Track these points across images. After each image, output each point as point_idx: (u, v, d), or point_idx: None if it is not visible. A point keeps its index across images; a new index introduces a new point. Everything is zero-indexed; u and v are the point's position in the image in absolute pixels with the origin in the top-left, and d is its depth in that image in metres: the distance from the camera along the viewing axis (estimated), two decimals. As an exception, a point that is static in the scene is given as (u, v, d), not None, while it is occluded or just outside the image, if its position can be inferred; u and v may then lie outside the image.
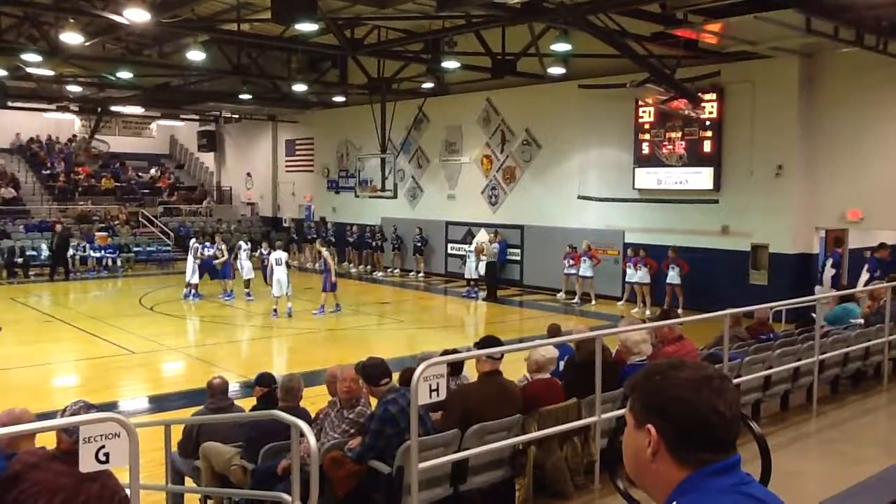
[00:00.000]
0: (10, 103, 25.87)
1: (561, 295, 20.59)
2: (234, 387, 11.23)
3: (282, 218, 33.35)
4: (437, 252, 25.20)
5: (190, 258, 20.50)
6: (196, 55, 17.66)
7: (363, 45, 18.13)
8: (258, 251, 20.33)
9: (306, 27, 14.63)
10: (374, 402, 5.74)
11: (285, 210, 33.28)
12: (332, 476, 5.10)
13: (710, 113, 17.96)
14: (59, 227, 25.92)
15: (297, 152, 32.26)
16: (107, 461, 3.44)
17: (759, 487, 1.63)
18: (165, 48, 19.88)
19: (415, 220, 25.70)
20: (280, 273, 17.92)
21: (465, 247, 22.94)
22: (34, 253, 26.22)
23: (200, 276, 20.50)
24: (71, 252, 25.80)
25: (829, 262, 15.39)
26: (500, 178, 23.51)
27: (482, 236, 22.67)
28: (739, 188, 17.73)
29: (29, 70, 19.79)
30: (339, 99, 26.45)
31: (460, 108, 24.19)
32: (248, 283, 20.27)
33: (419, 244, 25.01)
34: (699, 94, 17.66)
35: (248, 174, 35.24)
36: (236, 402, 7.75)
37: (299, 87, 22.67)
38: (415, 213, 26.23)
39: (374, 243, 26.52)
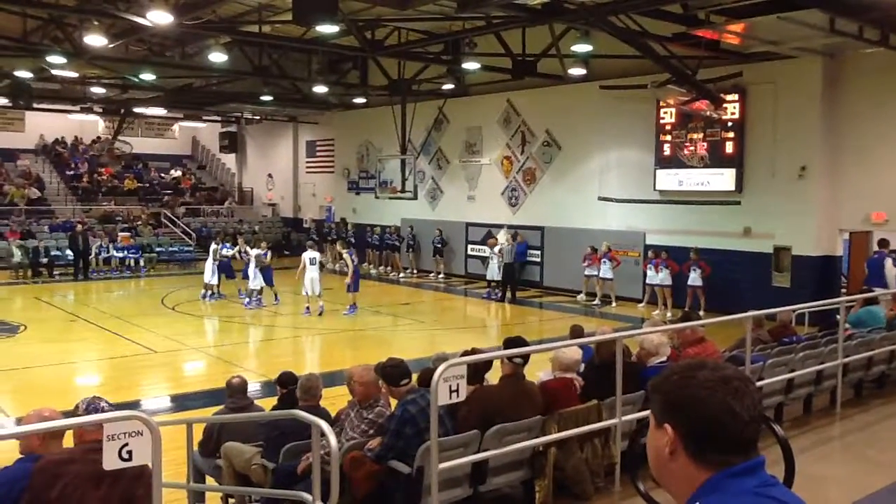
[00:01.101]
0: (35, 105, 26.18)
1: (581, 297, 20.52)
2: (255, 386, 11.30)
3: (302, 219, 33.49)
4: (458, 253, 25.21)
5: (209, 259, 20.55)
6: (218, 57, 17.78)
7: (383, 46, 18.18)
8: (259, 253, 19.98)
9: (327, 29, 14.69)
10: (394, 402, 5.75)
11: (306, 211, 33.43)
12: (352, 476, 5.11)
13: (732, 114, 17.83)
14: (79, 227, 26.30)
15: (318, 153, 32.41)
16: (130, 459, 3.47)
17: (783, 490, 1.63)
18: (188, 50, 20.03)
19: (435, 222, 25.72)
20: (313, 272, 18.05)
21: (486, 248, 22.91)
22: (58, 253, 26.53)
23: (219, 278, 20.55)
24: (94, 251, 26.11)
25: (889, 261, 15.08)
26: (520, 180, 23.48)
27: (502, 237, 22.66)
28: (762, 189, 17.58)
29: (53, 72, 20.02)
30: (360, 100, 26.52)
31: (480, 110, 24.19)
32: (252, 292, 19.63)
33: (439, 245, 25.01)
34: (721, 95, 17.53)
35: (270, 175, 35.45)
36: (257, 401, 7.79)
37: (320, 89, 22.75)
38: (435, 214, 26.25)
39: (392, 244, 26.58)
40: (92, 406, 4.06)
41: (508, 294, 20.86)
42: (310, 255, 18.36)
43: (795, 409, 8.05)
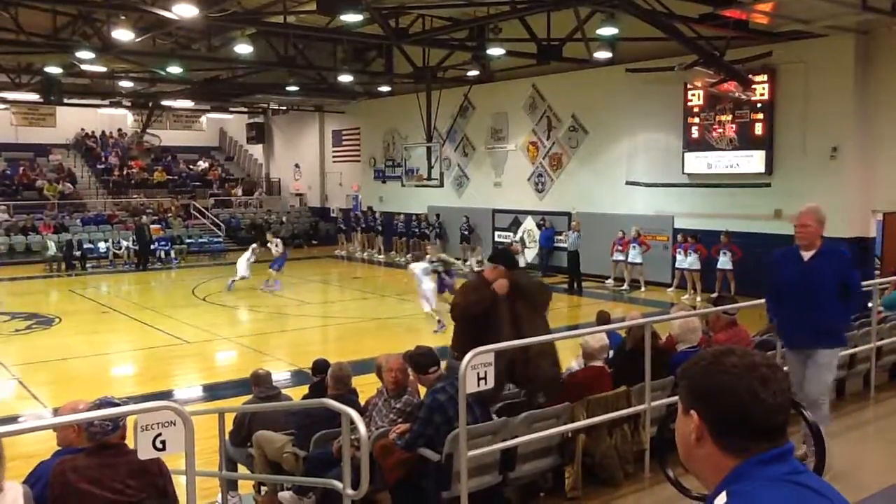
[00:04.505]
0: (65, 100, 26.49)
1: (610, 282, 20.43)
2: (285, 375, 11.42)
3: (329, 208, 33.64)
4: (485, 240, 25.18)
5: (248, 254, 20.71)
6: (243, 48, 17.86)
7: (408, 33, 18.13)
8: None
9: (351, 17, 14.70)
10: (422, 390, 5.77)
11: (333, 200, 33.58)
12: (382, 463, 5.15)
13: (762, 95, 17.58)
14: (144, 219, 27.15)
15: (344, 142, 32.51)
16: (163, 448, 3.52)
17: (813, 477, 1.61)
18: (214, 42, 20.13)
19: (461, 209, 25.71)
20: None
21: (512, 235, 22.83)
22: (91, 246, 26.95)
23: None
24: (128, 244, 26.67)
25: None
26: (546, 165, 23.37)
27: (529, 223, 22.55)
28: (792, 171, 17.34)
29: (83, 67, 20.25)
30: (385, 88, 26.52)
31: (506, 95, 24.08)
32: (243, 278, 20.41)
33: (466, 232, 25.00)
34: (750, 76, 17.29)
35: (297, 165, 35.63)
36: (287, 390, 7.88)
37: (345, 78, 22.78)
38: (461, 201, 26.24)
39: (419, 232, 26.63)
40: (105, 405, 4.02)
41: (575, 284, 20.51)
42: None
43: (828, 394, 7.94)
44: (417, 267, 15.76)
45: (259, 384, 7.22)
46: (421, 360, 5.64)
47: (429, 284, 15.43)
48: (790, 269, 5.78)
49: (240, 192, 35.69)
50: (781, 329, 5.96)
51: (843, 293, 5.60)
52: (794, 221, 5.91)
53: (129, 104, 30.70)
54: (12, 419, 9.21)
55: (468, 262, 19.77)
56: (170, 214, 30.90)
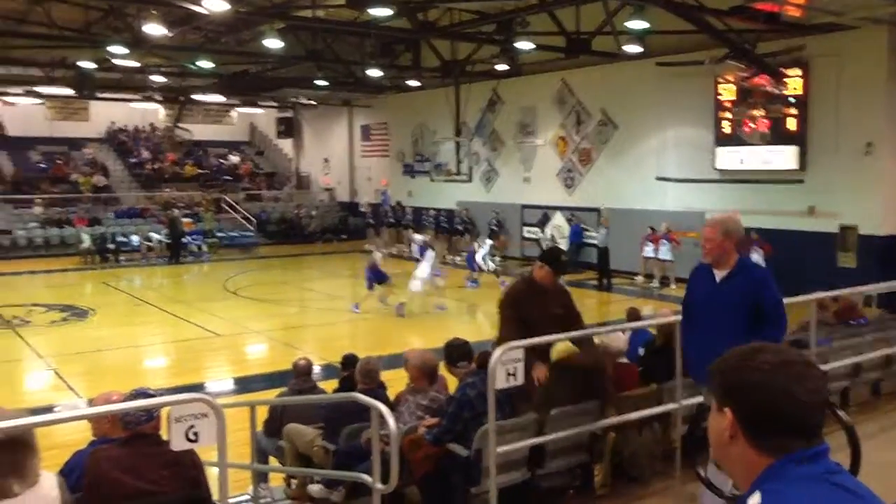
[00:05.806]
0: (98, 94, 26.85)
1: (639, 278, 20.30)
2: (315, 369, 11.48)
3: (358, 203, 33.76)
4: (513, 235, 25.13)
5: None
6: (272, 42, 17.97)
7: (436, 27, 18.14)
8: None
9: (380, 11, 14.74)
10: (451, 381, 5.79)
11: (362, 195, 33.67)
12: (410, 458, 5.17)
13: (795, 89, 17.32)
14: (175, 212, 27.61)
15: (373, 137, 32.59)
16: (196, 440, 3.58)
17: (849, 478, 1.60)
18: (243, 36, 20.30)
19: (490, 204, 25.66)
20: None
21: (541, 230, 22.76)
22: (124, 239, 27.31)
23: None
24: (160, 238, 27.04)
25: None
26: (575, 160, 23.25)
27: (558, 219, 22.45)
28: (826, 167, 17.08)
29: (115, 62, 20.51)
30: (413, 83, 26.51)
31: (535, 90, 23.98)
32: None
33: (495, 228, 24.96)
34: (782, 70, 17.05)
35: (326, 160, 35.79)
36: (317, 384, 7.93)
37: (373, 72, 22.83)
38: (490, 196, 26.19)
39: (451, 227, 26.64)
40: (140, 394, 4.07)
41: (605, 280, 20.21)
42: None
43: (863, 394, 7.84)
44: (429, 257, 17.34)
45: (297, 376, 7.33)
46: (452, 352, 5.65)
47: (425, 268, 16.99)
48: (700, 289, 4.93)
49: (265, 187, 35.94)
50: (687, 359, 5.15)
51: (757, 320, 4.71)
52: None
53: (160, 99, 31.04)
54: (48, 409, 9.37)
55: (494, 262, 19.63)
56: (201, 208, 31.21)
